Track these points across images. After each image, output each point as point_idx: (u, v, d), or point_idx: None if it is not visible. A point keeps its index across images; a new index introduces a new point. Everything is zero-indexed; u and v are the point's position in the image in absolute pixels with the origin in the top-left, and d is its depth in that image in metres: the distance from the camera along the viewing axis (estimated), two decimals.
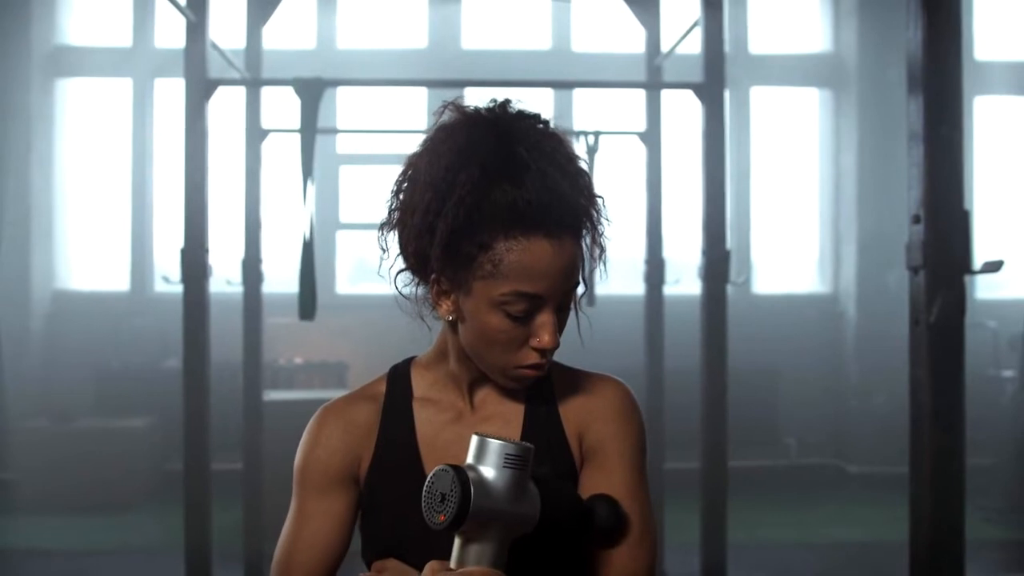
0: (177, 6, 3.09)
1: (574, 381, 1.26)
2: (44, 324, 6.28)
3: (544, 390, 1.25)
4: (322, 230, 5.89)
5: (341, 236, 6.44)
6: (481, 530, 1.05)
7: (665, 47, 4.15)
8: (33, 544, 4.98)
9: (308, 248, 3.35)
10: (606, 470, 1.21)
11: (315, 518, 1.21)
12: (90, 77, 6.50)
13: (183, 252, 3.26)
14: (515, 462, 1.05)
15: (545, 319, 1.14)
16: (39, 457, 5.59)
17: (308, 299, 3.38)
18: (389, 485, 1.22)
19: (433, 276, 1.16)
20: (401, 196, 1.17)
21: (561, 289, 1.14)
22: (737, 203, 6.39)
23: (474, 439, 1.06)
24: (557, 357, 1.23)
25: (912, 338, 1.86)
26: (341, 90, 6.10)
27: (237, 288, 4.31)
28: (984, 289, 6.24)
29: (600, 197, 1.17)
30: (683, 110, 4.79)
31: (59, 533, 5.14)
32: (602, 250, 1.18)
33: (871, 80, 6.45)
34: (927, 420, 1.83)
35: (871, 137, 6.47)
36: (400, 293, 1.21)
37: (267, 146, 4.23)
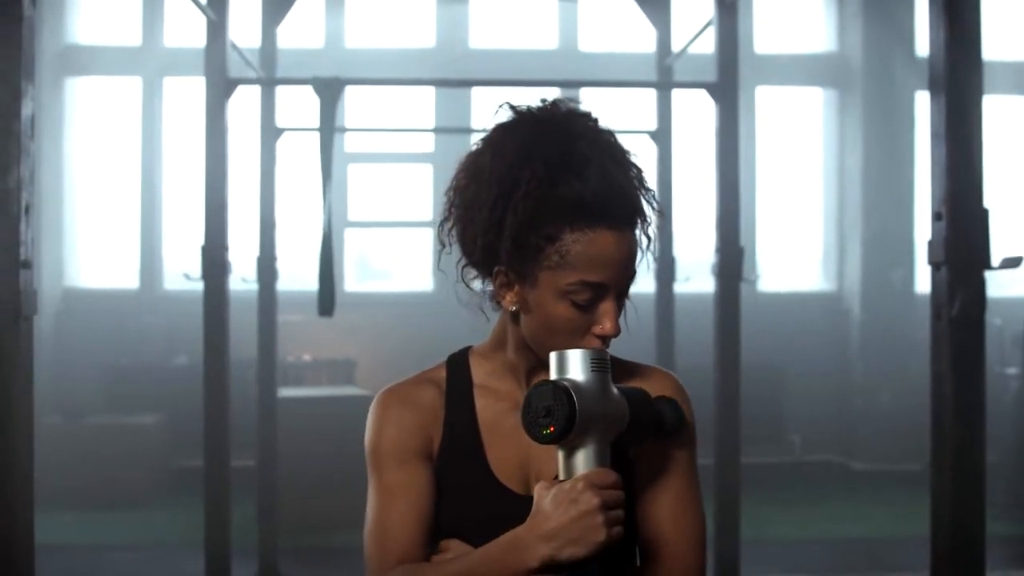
0: (199, 5, 3.13)
1: (628, 372, 1.29)
2: (54, 321, 6.31)
3: None
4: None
5: (348, 234, 6.47)
6: (584, 435, 1.08)
7: (676, 47, 4.18)
8: (44, 539, 4.97)
9: (327, 245, 3.39)
10: (662, 459, 1.24)
11: (400, 491, 1.22)
12: (100, 76, 6.53)
13: (204, 249, 3.29)
14: (599, 364, 1.10)
15: (607, 307, 1.18)
16: (50, 453, 5.61)
17: (327, 295, 3.42)
18: (452, 470, 1.24)
19: (498, 268, 1.19)
20: (464, 194, 1.20)
21: (622, 278, 1.18)
22: (744, 202, 6.41)
23: (553, 355, 1.11)
24: None
25: (934, 333, 1.90)
26: (349, 88, 6.13)
27: (252, 286, 4.34)
28: (990, 288, 6.26)
29: (651, 190, 1.21)
30: (692, 109, 4.84)
31: (70, 529, 5.16)
32: (650, 240, 1.21)
33: (876, 80, 6.49)
34: (949, 414, 1.86)
35: (876, 136, 6.52)
36: (467, 285, 1.24)
37: (281, 145, 4.27)
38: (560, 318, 1.18)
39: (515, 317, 1.23)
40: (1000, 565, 4.56)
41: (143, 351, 6.17)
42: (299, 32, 6.20)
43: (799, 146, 6.79)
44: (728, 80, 3.40)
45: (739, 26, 3.48)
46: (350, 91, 6.17)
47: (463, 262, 1.23)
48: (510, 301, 1.21)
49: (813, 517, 5.59)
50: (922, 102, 6.26)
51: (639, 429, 1.16)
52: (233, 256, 3.47)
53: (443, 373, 1.30)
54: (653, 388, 1.22)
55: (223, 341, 3.34)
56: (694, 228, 4.88)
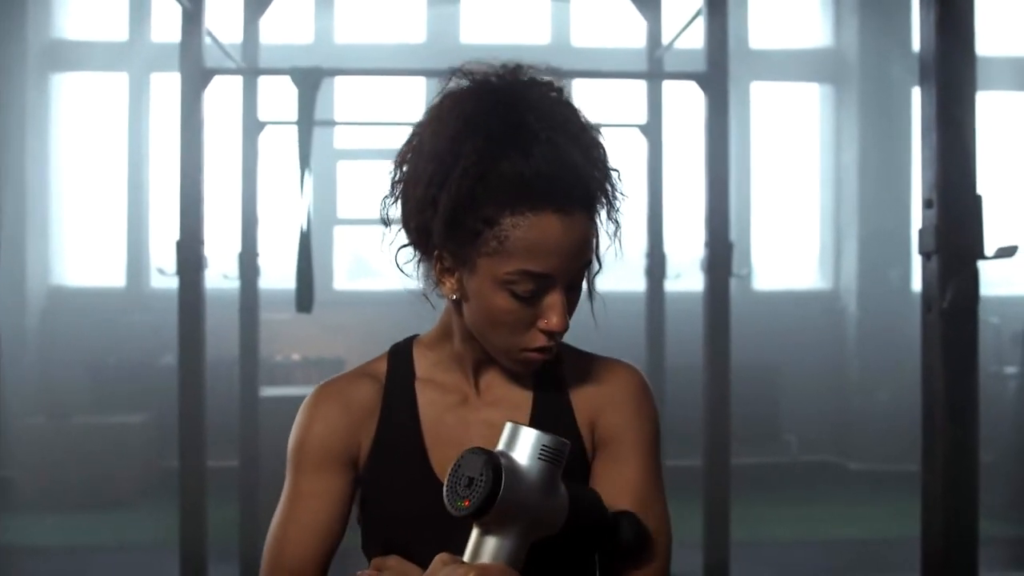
0: None
1: (586, 366, 1.20)
2: (40, 320, 6.23)
3: (555, 374, 1.19)
4: (319, 226, 5.81)
5: (339, 232, 6.39)
6: (504, 523, 0.97)
7: (666, 39, 4.11)
8: (30, 541, 4.94)
9: (305, 240, 3.31)
10: (620, 461, 1.16)
11: (311, 499, 1.15)
12: (86, 72, 6.45)
13: (179, 244, 3.22)
14: (550, 455, 0.98)
15: (554, 300, 1.08)
16: (36, 454, 5.55)
17: (305, 292, 3.34)
18: (391, 471, 1.16)
19: (436, 252, 1.10)
20: (404, 168, 1.11)
21: (571, 268, 1.08)
22: (738, 198, 6.34)
23: (508, 426, 1.00)
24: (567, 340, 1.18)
25: (924, 325, 1.82)
26: (339, 83, 6.06)
27: (234, 283, 4.27)
28: (987, 286, 6.20)
29: (616, 170, 1.11)
30: (683, 105, 4.76)
31: (56, 530, 5.10)
32: (617, 226, 1.12)
33: (872, 75, 6.42)
34: (940, 410, 1.78)
35: (872, 133, 6.45)
36: (400, 269, 1.15)
37: (264, 139, 4.19)
38: (500, 310, 1.08)
39: (458, 305, 1.14)
40: (998, 566, 4.49)
41: (129, 350, 6.09)
42: (288, 27, 6.13)
43: (794, 142, 6.72)
44: (717, 71, 3.33)
45: (731, 19, 3.41)
46: (339, 86, 6.11)
47: (402, 243, 1.15)
48: (450, 288, 1.12)
49: (809, 518, 5.51)
50: (919, 98, 6.19)
51: (579, 539, 1.05)
52: (217, 253, 3.41)
53: (383, 366, 1.21)
54: (613, 385, 1.13)
55: (199, 337, 3.27)
56: (686, 224, 4.81)
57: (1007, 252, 1.77)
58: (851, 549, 4.92)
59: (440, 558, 0.98)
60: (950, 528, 1.81)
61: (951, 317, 1.77)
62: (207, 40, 3.35)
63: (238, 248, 4.20)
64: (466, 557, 0.99)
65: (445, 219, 1.06)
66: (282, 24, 5.84)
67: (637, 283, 4.38)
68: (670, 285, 4.27)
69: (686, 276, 4.33)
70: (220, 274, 4.16)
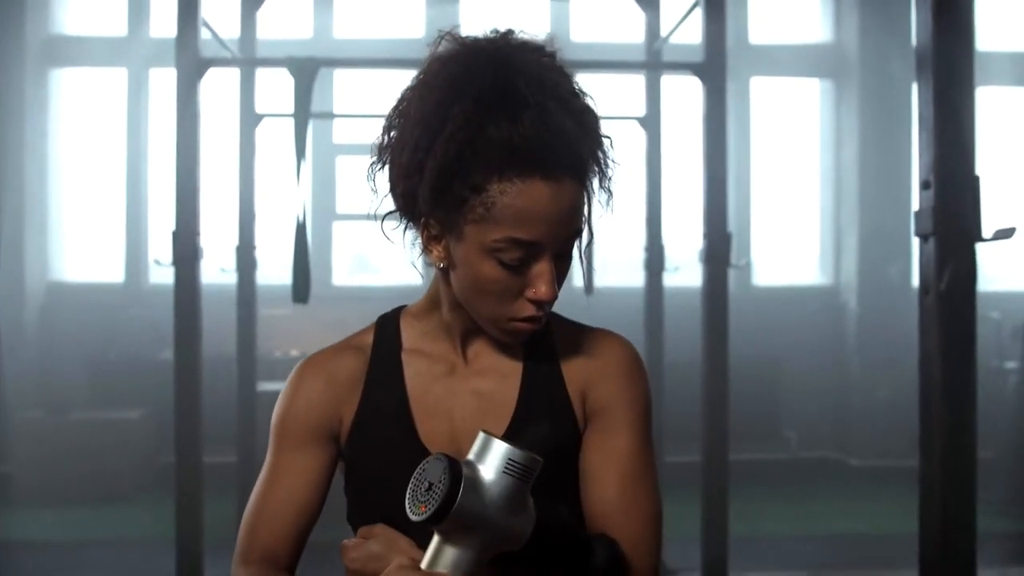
0: None
1: (577, 336, 1.19)
2: (38, 316, 6.22)
3: (544, 344, 1.17)
4: (318, 221, 5.83)
5: (337, 227, 6.37)
6: (462, 533, 0.96)
7: (665, 32, 4.09)
8: (28, 536, 4.93)
9: (301, 230, 3.30)
10: (611, 433, 1.14)
11: (288, 475, 1.14)
12: (84, 67, 6.44)
13: (175, 234, 3.21)
14: (517, 471, 0.96)
15: (542, 268, 1.06)
16: (34, 449, 5.54)
17: (302, 282, 3.33)
18: (377, 442, 1.14)
19: (423, 219, 1.09)
20: (392, 133, 1.10)
21: (560, 236, 1.06)
22: (738, 194, 6.33)
23: (480, 435, 0.98)
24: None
25: (922, 309, 1.80)
26: (337, 77, 6.05)
27: (231, 278, 4.26)
28: (987, 281, 6.18)
29: (608, 137, 1.09)
30: (682, 100, 4.73)
31: (54, 525, 5.09)
32: (610, 195, 1.10)
33: (873, 71, 6.40)
34: (937, 396, 1.76)
35: (873, 128, 6.43)
36: (387, 237, 1.14)
37: (261, 135, 4.18)
38: (488, 279, 1.06)
39: (445, 274, 1.13)
40: (999, 561, 4.47)
41: (128, 345, 6.08)
42: (287, 23, 6.12)
43: (794, 138, 6.70)
44: (715, 61, 3.31)
45: (731, 14, 3.39)
46: (337, 80, 6.10)
47: (388, 209, 1.13)
48: (437, 256, 1.10)
49: (809, 514, 5.49)
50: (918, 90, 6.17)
51: (547, 556, 1.01)
52: (214, 248, 3.40)
53: (370, 338, 1.20)
54: (604, 356, 1.11)
55: (195, 329, 3.25)
56: (684, 219, 4.79)
57: (1005, 234, 1.75)
58: (850, 544, 4.90)
59: (398, 562, 0.98)
60: (948, 511, 1.79)
61: (948, 300, 1.75)
62: (204, 32, 3.33)
63: (235, 242, 4.18)
64: (424, 563, 0.98)
65: (432, 185, 1.04)
66: (280, 19, 5.83)
67: (635, 279, 4.36)
68: (669, 281, 4.25)
69: (685, 271, 4.31)
70: (218, 268, 4.15)
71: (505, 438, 1.11)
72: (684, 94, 5.23)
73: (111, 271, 6.39)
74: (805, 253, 6.74)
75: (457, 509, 0.93)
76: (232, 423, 4.52)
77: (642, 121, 4.16)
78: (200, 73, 3.19)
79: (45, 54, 6.31)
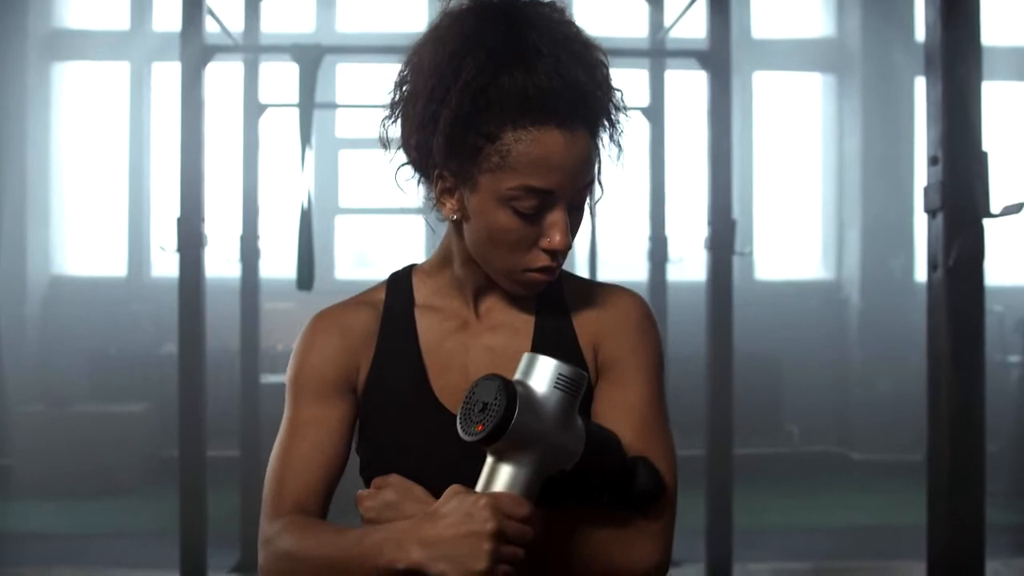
0: None
1: (587, 291, 1.18)
2: (41, 309, 6.22)
3: (555, 299, 1.17)
4: (321, 215, 5.82)
5: (340, 221, 6.37)
6: (518, 451, 0.96)
7: (669, 24, 4.09)
8: (30, 528, 4.93)
9: (306, 217, 3.30)
10: (623, 385, 1.13)
11: (311, 428, 1.12)
12: (87, 61, 6.44)
13: (179, 220, 3.20)
14: (567, 385, 0.97)
15: (556, 218, 1.06)
16: (36, 442, 5.54)
17: (306, 269, 3.32)
18: (390, 397, 1.14)
19: (436, 172, 1.08)
20: (404, 88, 1.10)
21: (574, 185, 1.06)
22: (741, 189, 6.33)
23: (525, 356, 0.99)
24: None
25: (929, 285, 1.80)
26: (340, 71, 6.05)
27: (235, 270, 4.25)
28: (989, 276, 6.18)
29: (619, 90, 1.09)
30: (684, 94, 4.75)
31: (56, 518, 5.09)
32: (620, 149, 1.10)
33: (875, 65, 6.40)
34: (945, 367, 1.76)
35: (875, 122, 6.42)
36: (400, 188, 1.14)
37: (264, 129, 4.16)
38: (502, 228, 1.06)
39: (458, 227, 1.12)
40: (1003, 554, 4.47)
41: (130, 339, 6.08)
42: (290, 16, 6.12)
43: (797, 132, 6.70)
44: (719, 48, 3.31)
45: (736, 11, 3.40)
46: (341, 73, 6.10)
47: (401, 164, 1.13)
48: (451, 209, 1.10)
49: (812, 507, 5.49)
50: (922, 87, 6.17)
51: (592, 477, 1.02)
52: (219, 242, 3.39)
53: (382, 294, 1.19)
54: (616, 310, 1.11)
55: (199, 316, 3.25)
56: (688, 211, 4.80)
57: (1014, 209, 1.74)
58: (853, 536, 4.90)
59: (452, 489, 0.97)
60: (957, 489, 1.79)
61: (956, 275, 1.75)
62: (209, 25, 3.32)
63: (239, 234, 4.18)
64: (479, 486, 0.98)
65: (446, 135, 1.04)
66: (283, 12, 5.83)
67: (639, 273, 4.37)
68: (672, 275, 4.25)
69: (688, 263, 4.31)
70: (221, 259, 4.14)
71: None
72: (686, 89, 5.25)
73: (113, 265, 6.39)
74: (807, 247, 6.74)
75: (515, 424, 0.93)
76: (235, 417, 4.50)
77: (646, 111, 4.16)
78: (205, 60, 3.19)
79: (48, 48, 6.31)
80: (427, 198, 1.13)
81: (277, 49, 3.63)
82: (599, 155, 1.09)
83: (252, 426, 4.33)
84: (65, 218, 6.43)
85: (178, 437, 3.39)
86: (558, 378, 0.97)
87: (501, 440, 0.94)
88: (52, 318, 6.18)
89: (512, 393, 0.94)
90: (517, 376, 0.98)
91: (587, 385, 1.01)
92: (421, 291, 1.19)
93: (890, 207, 6.34)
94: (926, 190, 1.80)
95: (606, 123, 1.08)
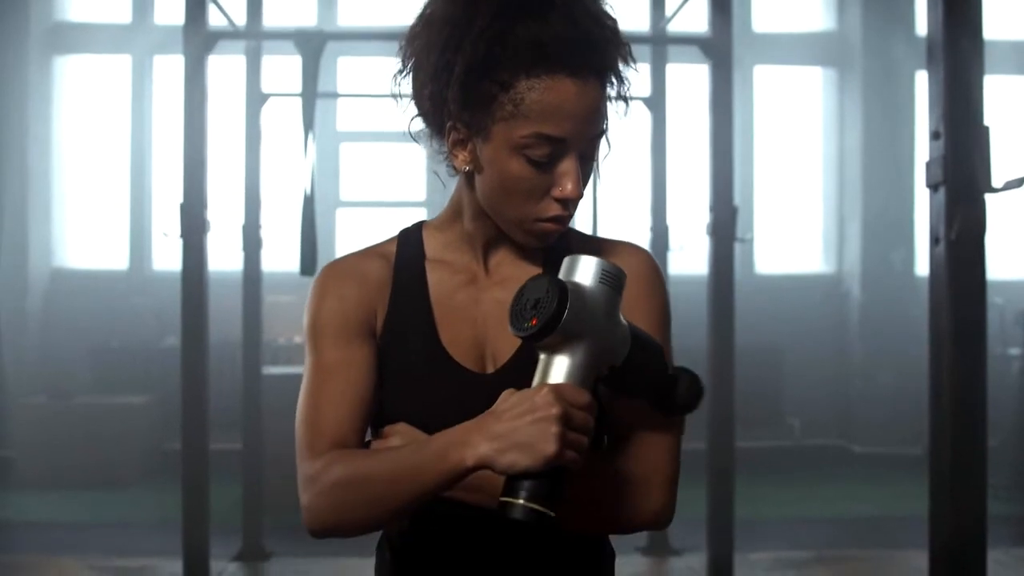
0: None
1: (595, 246, 1.19)
2: (42, 302, 6.23)
3: (563, 254, 1.15)
4: (322, 208, 5.82)
5: (341, 214, 6.38)
6: (571, 344, 0.97)
7: (670, 11, 4.10)
8: (32, 518, 4.94)
9: (309, 203, 3.31)
10: None
11: (338, 369, 1.11)
12: (89, 54, 6.45)
13: (182, 206, 3.21)
14: (611, 280, 0.99)
15: (568, 167, 1.07)
16: (38, 434, 5.55)
17: (309, 254, 3.33)
18: (400, 347, 1.14)
19: (449, 123, 1.09)
20: (415, 42, 1.10)
21: (586, 134, 1.07)
22: (742, 183, 6.33)
23: (566, 259, 1.01)
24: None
25: (932, 258, 1.80)
26: (342, 64, 6.05)
27: (237, 263, 4.26)
28: (991, 271, 6.19)
29: (627, 44, 1.10)
30: (685, 87, 4.75)
31: (58, 509, 5.10)
32: (627, 104, 1.11)
33: (876, 59, 6.42)
34: (947, 341, 1.77)
35: (876, 116, 6.44)
36: (413, 138, 1.14)
37: (267, 119, 4.17)
38: (515, 177, 1.07)
39: (470, 180, 1.13)
40: (1003, 543, 4.47)
41: (132, 332, 6.09)
42: (292, 10, 6.12)
43: (798, 126, 6.71)
44: (721, 34, 3.32)
45: (737, 5, 3.40)
46: (342, 66, 6.10)
47: (412, 117, 1.14)
48: (463, 160, 1.10)
49: (813, 499, 5.50)
50: (922, 82, 6.18)
51: (636, 377, 1.03)
52: (221, 239, 3.39)
53: (393, 247, 1.20)
54: (623, 264, 1.11)
55: (201, 303, 3.25)
56: (688, 202, 4.81)
57: (1015, 183, 1.75)
58: (853, 527, 4.91)
59: (506, 391, 0.98)
60: (959, 461, 1.79)
61: (958, 249, 1.75)
62: (211, 11, 3.33)
63: (241, 224, 4.18)
64: (534, 383, 0.99)
65: (460, 83, 1.05)
66: (285, 5, 5.84)
67: None
68: (674, 267, 4.26)
69: (690, 256, 4.31)
70: (224, 251, 4.15)
71: (522, 347, 1.11)
72: (687, 84, 5.27)
73: (115, 258, 6.40)
74: (808, 241, 6.75)
75: (568, 314, 0.95)
76: (236, 409, 4.51)
77: (647, 101, 4.16)
78: (208, 47, 3.20)
79: (49, 41, 6.32)
80: (439, 151, 1.14)
81: (280, 36, 3.63)
82: (607, 106, 1.10)
83: (254, 418, 4.33)
84: (67, 211, 6.44)
85: (181, 429, 3.39)
86: (602, 274, 0.99)
87: (556, 332, 0.95)
88: (54, 311, 6.19)
89: (563, 286, 0.96)
90: (560, 276, 1.00)
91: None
92: (431, 245, 1.19)
93: (891, 201, 6.35)
94: (928, 164, 1.81)
95: (614, 79, 1.09)
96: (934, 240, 1.79)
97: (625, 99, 1.11)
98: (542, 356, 0.99)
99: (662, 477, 1.11)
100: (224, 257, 4.66)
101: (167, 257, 5.83)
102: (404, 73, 1.12)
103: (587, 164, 1.10)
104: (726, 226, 3.34)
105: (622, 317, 1.01)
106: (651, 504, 1.11)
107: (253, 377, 4.36)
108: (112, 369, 6.00)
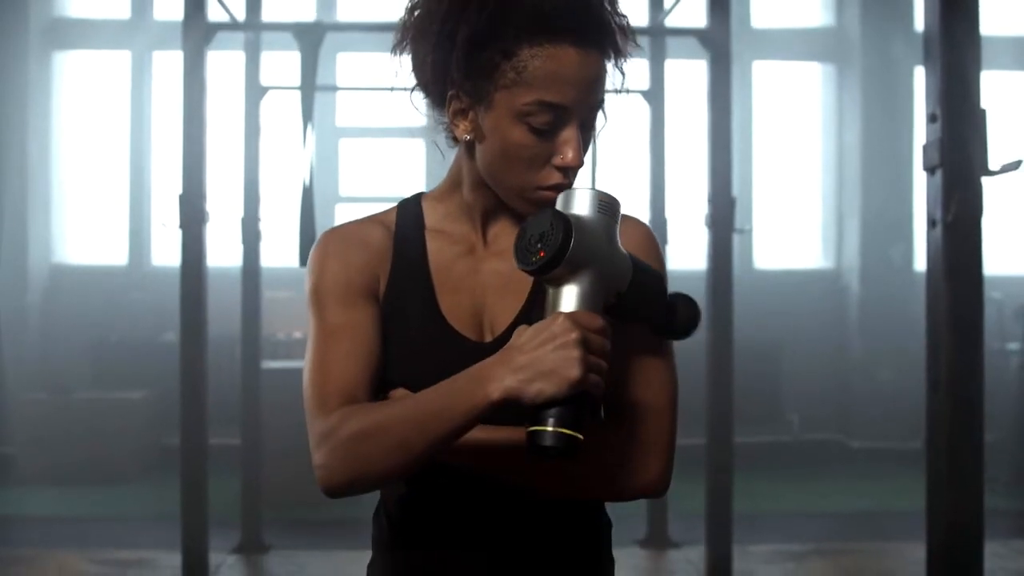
0: None
1: None
2: (42, 298, 6.23)
3: None
4: (321, 204, 5.81)
5: (340, 210, 6.38)
6: (578, 273, 0.99)
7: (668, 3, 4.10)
8: (32, 512, 4.94)
9: (308, 193, 3.31)
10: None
11: (344, 332, 1.11)
12: (88, 50, 6.46)
13: (181, 197, 3.21)
14: (607, 208, 1.01)
15: (569, 135, 1.08)
16: (38, 429, 5.55)
17: (307, 245, 3.33)
18: (400, 315, 1.15)
19: (451, 92, 1.10)
20: (416, 12, 1.11)
21: (586, 103, 1.08)
22: (741, 179, 6.33)
23: (561, 195, 1.03)
24: None
25: (929, 241, 1.81)
26: (341, 60, 6.05)
27: (236, 259, 4.27)
28: (990, 266, 6.19)
29: (625, 17, 1.11)
30: (685, 84, 4.74)
31: (58, 504, 5.10)
32: (623, 76, 1.12)
33: (875, 54, 6.42)
34: (944, 324, 1.77)
35: (874, 112, 6.44)
36: (414, 107, 1.15)
37: (266, 113, 4.17)
38: (516, 144, 1.08)
39: (470, 149, 1.14)
40: (1001, 535, 4.48)
41: (131, 327, 6.09)
42: (290, 5, 6.12)
43: (797, 122, 6.71)
44: (719, 25, 3.32)
45: (736, 0, 3.41)
46: (341, 62, 6.11)
47: (413, 88, 1.14)
48: (464, 129, 1.11)
49: (811, 494, 5.51)
50: (921, 77, 6.18)
51: (640, 302, 1.05)
52: (220, 239, 3.40)
53: (392, 216, 1.21)
54: (622, 235, 1.12)
55: (200, 294, 3.26)
56: (686, 196, 4.80)
57: (1012, 166, 1.75)
58: (852, 521, 4.92)
59: (519, 328, 1.00)
60: (955, 448, 1.80)
61: (955, 231, 1.76)
62: (211, 5, 3.33)
63: (240, 217, 4.19)
64: (547, 315, 1.00)
65: (464, 51, 1.06)
66: (285, 3, 5.84)
67: None
68: (673, 263, 4.25)
69: (689, 252, 4.32)
70: (223, 246, 4.15)
71: (520, 316, 1.12)
72: (685, 80, 5.27)
73: (114, 254, 6.40)
74: (807, 237, 6.75)
75: (575, 244, 0.97)
76: (236, 404, 4.51)
77: (646, 94, 4.17)
78: (208, 38, 3.20)
79: (49, 37, 6.32)
80: (439, 121, 1.14)
81: (279, 27, 3.64)
82: (606, 78, 1.10)
83: (253, 413, 4.34)
84: (66, 207, 6.44)
85: (180, 424, 3.39)
86: (599, 204, 1.01)
87: (563, 263, 0.97)
88: (53, 307, 6.19)
89: (566, 218, 0.98)
90: (558, 208, 1.01)
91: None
92: (431, 215, 1.20)
93: (890, 196, 6.35)
94: (925, 147, 1.81)
95: (612, 52, 1.10)
96: (931, 223, 1.80)
97: (623, 72, 1.11)
98: (549, 290, 1.01)
99: (659, 446, 1.12)
100: (223, 252, 4.66)
101: (166, 253, 5.83)
102: (402, 44, 1.12)
103: (587, 133, 1.11)
104: (725, 218, 3.35)
105: (620, 245, 1.03)
106: (648, 473, 1.12)
107: (252, 372, 4.37)
108: (112, 365, 5.99)
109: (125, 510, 5.05)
